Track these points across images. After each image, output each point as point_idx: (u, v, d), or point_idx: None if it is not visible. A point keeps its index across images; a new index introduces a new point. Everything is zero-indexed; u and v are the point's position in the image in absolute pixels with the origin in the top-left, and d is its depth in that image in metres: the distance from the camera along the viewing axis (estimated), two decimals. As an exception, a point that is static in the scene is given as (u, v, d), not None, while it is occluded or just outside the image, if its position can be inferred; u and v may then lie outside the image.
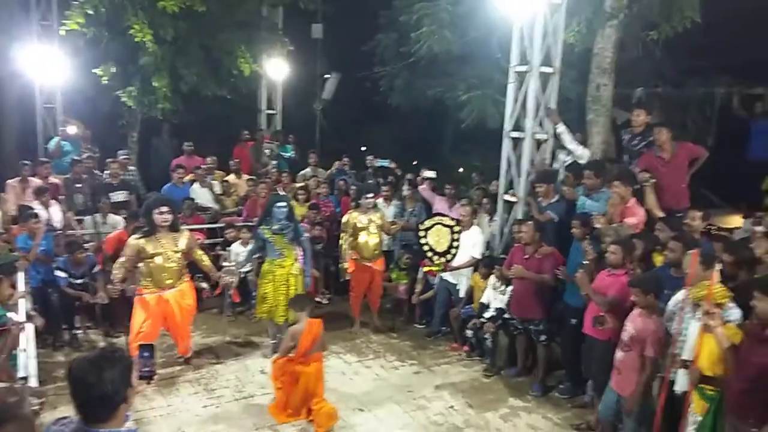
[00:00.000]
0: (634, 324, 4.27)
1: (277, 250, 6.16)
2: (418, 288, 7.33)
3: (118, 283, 5.62)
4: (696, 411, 3.77)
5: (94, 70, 9.19)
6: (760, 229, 5.00)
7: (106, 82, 9.20)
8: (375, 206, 7.14)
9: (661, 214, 5.42)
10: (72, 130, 9.20)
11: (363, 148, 12.21)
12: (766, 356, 3.43)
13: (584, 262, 5.01)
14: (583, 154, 6.49)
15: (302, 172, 9.85)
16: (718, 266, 3.77)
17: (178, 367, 5.98)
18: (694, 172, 6.08)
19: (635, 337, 4.23)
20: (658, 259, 4.86)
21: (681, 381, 3.88)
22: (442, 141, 13.21)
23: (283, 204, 6.17)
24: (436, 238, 6.82)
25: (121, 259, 5.64)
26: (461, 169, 11.20)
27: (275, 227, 6.12)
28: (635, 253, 4.77)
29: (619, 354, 4.41)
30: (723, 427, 3.67)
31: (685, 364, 3.77)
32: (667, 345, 4.03)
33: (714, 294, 3.70)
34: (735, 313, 3.88)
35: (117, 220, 7.44)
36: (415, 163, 10.64)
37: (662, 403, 3.77)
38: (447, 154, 12.61)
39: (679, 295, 4.15)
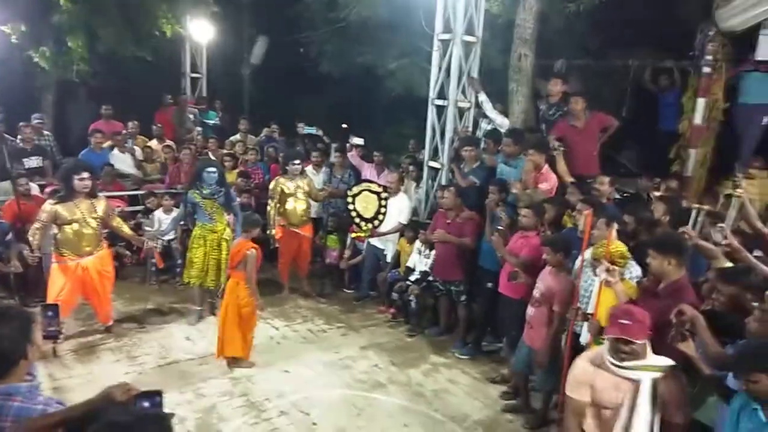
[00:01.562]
0: (544, 281, 4.55)
1: (207, 215, 6.10)
2: (347, 254, 7.44)
3: (36, 250, 5.40)
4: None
5: (2, 28, 8.58)
6: (657, 194, 5.36)
7: (16, 41, 8.63)
8: (302, 172, 7.14)
9: (571, 179, 5.72)
10: (-22, 92, 8.59)
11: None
12: (656, 310, 3.73)
13: (499, 228, 5.24)
14: (503, 123, 6.72)
15: (231, 138, 9.66)
16: (614, 226, 4.04)
17: (99, 336, 5.86)
18: (611, 141, 6.42)
19: (545, 294, 4.51)
20: (569, 222, 5.15)
21: (585, 333, 4.18)
22: (375, 109, 13.23)
23: (213, 169, 6.11)
24: (364, 204, 6.91)
25: (36, 225, 5.43)
26: (389, 136, 11.29)
27: (206, 192, 6.05)
28: (546, 217, 5.04)
29: (530, 310, 4.69)
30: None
31: (587, 317, 4.06)
32: (575, 301, 4.31)
33: (612, 252, 3.98)
34: (635, 270, 4.20)
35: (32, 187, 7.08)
36: (344, 126, 10.63)
37: (568, 354, 4.05)
38: (380, 122, 12.64)
39: (585, 255, 4.43)
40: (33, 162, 7.83)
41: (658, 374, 2.96)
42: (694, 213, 4.38)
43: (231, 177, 7.84)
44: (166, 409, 2.06)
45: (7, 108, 8.61)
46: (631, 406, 2.98)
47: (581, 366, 3.18)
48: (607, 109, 7.64)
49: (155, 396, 2.02)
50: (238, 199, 6.68)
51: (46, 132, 8.63)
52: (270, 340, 6.12)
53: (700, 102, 6.97)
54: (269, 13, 12.24)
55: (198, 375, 5.29)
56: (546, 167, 5.61)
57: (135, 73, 10.83)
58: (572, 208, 5.08)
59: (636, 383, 2.96)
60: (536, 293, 4.62)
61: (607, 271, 3.84)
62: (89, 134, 8.37)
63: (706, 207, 4.42)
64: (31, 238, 5.39)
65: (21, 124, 7.95)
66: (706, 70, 6.89)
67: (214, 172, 6.07)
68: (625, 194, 6.84)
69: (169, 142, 9.24)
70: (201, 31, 10.82)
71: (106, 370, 5.25)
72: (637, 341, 2.92)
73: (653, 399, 2.95)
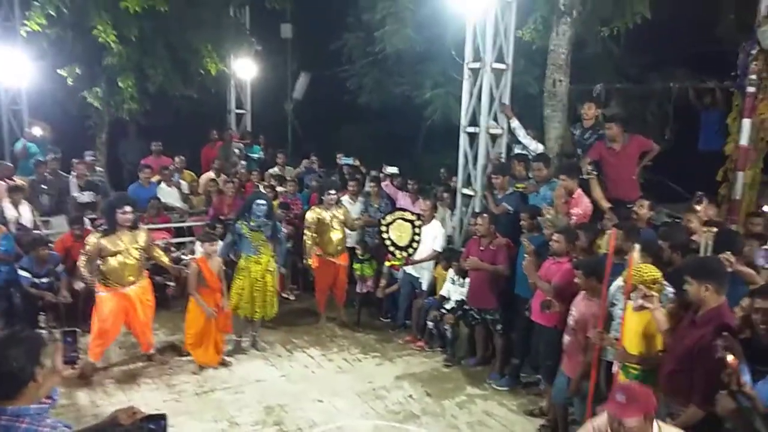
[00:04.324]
0: (577, 308, 4.43)
1: (253, 247, 6.24)
2: (383, 282, 7.44)
3: (89, 279, 5.64)
4: (622, 389, 3.90)
5: (59, 71, 9.18)
6: (698, 207, 5.14)
7: (72, 83, 9.20)
8: (338, 202, 7.23)
9: (607, 205, 5.58)
10: (37, 131, 9.18)
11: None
12: (693, 338, 3.57)
13: (525, 255, 5.17)
14: (536, 148, 6.66)
15: (269, 171, 9.92)
16: (636, 248, 3.90)
17: (141, 364, 6.03)
18: (657, 166, 6.26)
19: (579, 321, 4.39)
20: (603, 248, 5.01)
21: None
22: (414, 138, 13.35)
23: (263, 201, 6.26)
24: (398, 232, 6.91)
25: (82, 258, 5.69)
26: (427, 164, 11.36)
27: (253, 224, 6.20)
28: (579, 243, 4.92)
29: (566, 338, 4.57)
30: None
31: (613, 343, 3.92)
32: (607, 328, 4.17)
33: (645, 277, 3.84)
34: (671, 296, 4.04)
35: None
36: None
37: (594, 381, 3.92)
38: (419, 151, 12.74)
39: (619, 281, 4.30)
40: (85, 197, 8.24)
41: None
42: (703, 241, 4.19)
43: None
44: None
45: (62, 146, 9.14)
46: None
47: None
48: (650, 133, 7.50)
49: (160, 420, 2.07)
50: (283, 231, 6.80)
51: (98, 168, 9.10)
52: (305, 369, 6.15)
53: (746, 123, 6.73)
54: (310, 50, 12.62)
55: (233, 404, 5.35)
56: (578, 192, 5.51)
57: (183, 111, 11.36)
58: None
59: None
60: (570, 321, 4.49)
61: (644, 296, 3.71)
62: (139, 170, 8.77)
63: (714, 229, 4.21)
64: (82, 270, 5.65)
65: (74, 160, 8.40)
66: (750, 89, 6.67)
67: (264, 205, 6.21)
68: (676, 219, 6.62)
69: (213, 175, 9.55)
70: (245, 69, 11.26)
71: (145, 398, 5.39)
72: (630, 423, 2.69)
73: None
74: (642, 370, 3.80)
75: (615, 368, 4.05)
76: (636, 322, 3.71)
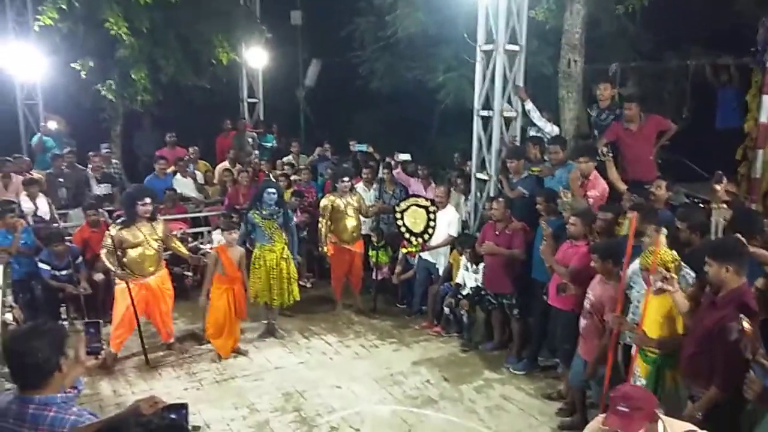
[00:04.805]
0: (593, 291, 4.40)
1: (266, 235, 6.29)
2: (398, 269, 7.44)
3: (117, 270, 5.67)
4: (640, 374, 3.89)
5: (72, 65, 9.24)
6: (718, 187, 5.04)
7: (85, 76, 9.26)
8: (352, 189, 7.23)
9: (624, 186, 5.51)
10: (53, 125, 9.28)
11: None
12: (714, 320, 3.53)
13: (543, 239, 5.13)
14: (552, 130, 6.58)
15: (283, 159, 9.94)
16: (663, 232, 3.86)
17: (161, 353, 6.10)
18: (675, 145, 6.15)
19: (595, 304, 4.36)
20: (622, 230, 4.96)
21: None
22: (428, 123, 13.29)
23: (273, 190, 6.28)
24: (413, 219, 6.91)
25: (103, 251, 5.76)
26: (441, 149, 11.31)
27: (265, 212, 6.24)
28: (598, 225, 4.87)
29: (582, 322, 4.55)
30: (664, 389, 3.78)
31: (633, 327, 3.89)
32: (625, 311, 4.14)
33: (664, 259, 3.79)
34: (690, 278, 3.99)
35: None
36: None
37: (610, 364, 3.91)
38: (432, 135, 12.67)
39: (636, 263, 4.25)
40: (102, 189, 8.33)
41: None
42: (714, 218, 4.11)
43: (286, 197, 8.05)
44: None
45: (78, 139, 9.22)
46: None
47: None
48: (667, 112, 7.37)
49: (181, 409, 2.10)
50: (295, 219, 6.81)
51: (114, 161, 9.18)
52: (323, 355, 6.19)
53: (766, 99, 6.56)
54: (321, 36, 12.56)
55: (253, 391, 5.41)
56: (594, 174, 5.45)
57: (196, 101, 11.39)
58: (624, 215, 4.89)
59: None
60: (586, 304, 4.47)
61: (664, 279, 3.67)
62: (154, 161, 8.84)
63: (723, 206, 4.13)
64: (107, 262, 5.71)
65: (90, 153, 8.48)
66: (770, 65, 6.50)
67: (274, 193, 6.23)
68: (695, 199, 6.53)
69: (228, 165, 9.59)
70: (256, 58, 11.23)
71: (166, 386, 5.47)
72: None
73: None
74: (661, 354, 3.77)
75: (633, 351, 4.03)
76: (656, 305, 3.68)
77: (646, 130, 6.04)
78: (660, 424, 2.63)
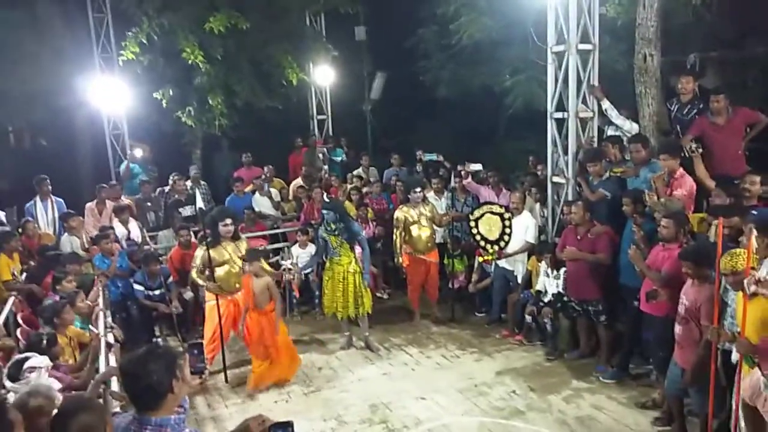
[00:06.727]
0: (687, 296, 4.20)
1: (333, 250, 6.42)
2: (475, 277, 7.38)
3: (210, 285, 5.88)
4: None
5: (154, 95, 9.79)
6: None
7: (166, 104, 9.79)
8: (424, 199, 7.24)
9: (713, 183, 5.23)
10: (138, 153, 9.81)
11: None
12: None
13: (635, 240, 4.93)
14: (631, 128, 6.35)
15: (354, 172, 10.09)
16: (754, 233, 3.63)
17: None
18: (762, 137, 5.80)
19: (690, 309, 4.16)
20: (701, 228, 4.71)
21: (735, 352, 3.78)
22: (495, 127, 13.15)
23: (326, 210, 6.42)
24: (487, 226, 6.84)
25: (193, 271, 6.04)
26: (511, 153, 11.12)
27: (329, 229, 6.38)
28: (688, 226, 4.65)
29: (677, 328, 4.35)
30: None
31: (734, 337, 3.67)
32: (722, 315, 3.92)
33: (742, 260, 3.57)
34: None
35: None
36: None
37: (713, 373, 3.70)
38: (501, 140, 12.51)
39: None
40: (188, 211, 8.72)
41: None
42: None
43: (351, 211, 8.14)
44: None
45: (161, 164, 9.72)
46: None
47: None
48: (754, 102, 6.94)
49: (287, 426, 2.16)
50: (363, 233, 6.89)
51: (203, 182, 9.59)
52: (405, 366, 6.21)
53: None
54: (385, 49, 12.70)
55: (340, 403, 5.50)
56: (680, 171, 5.20)
57: (268, 121, 11.79)
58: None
59: None
60: (681, 309, 4.26)
61: (758, 282, 3.46)
62: (233, 181, 9.20)
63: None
64: (200, 282, 5.98)
65: (175, 176, 8.90)
66: None
67: (329, 212, 6.36)
68: None
69: (301, 182, 9.82)
70: (324, 76, 11.51)
71: (257, 399, 5.65)
72: None
73: None
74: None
75: (735, 357, 3.81)
76: (754, 309, 3.47)
77: (735, 123, 5.72)
78: None
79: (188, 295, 7.08)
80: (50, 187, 7.99)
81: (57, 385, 3.73)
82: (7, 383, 3.70)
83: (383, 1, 11.76)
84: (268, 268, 6.48)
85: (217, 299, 5.87)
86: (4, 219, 7.72)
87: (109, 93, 10.04)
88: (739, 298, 3.68)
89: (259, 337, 5.79)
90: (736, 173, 5.45)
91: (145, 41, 8.99)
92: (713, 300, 3.91)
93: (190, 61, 9.08)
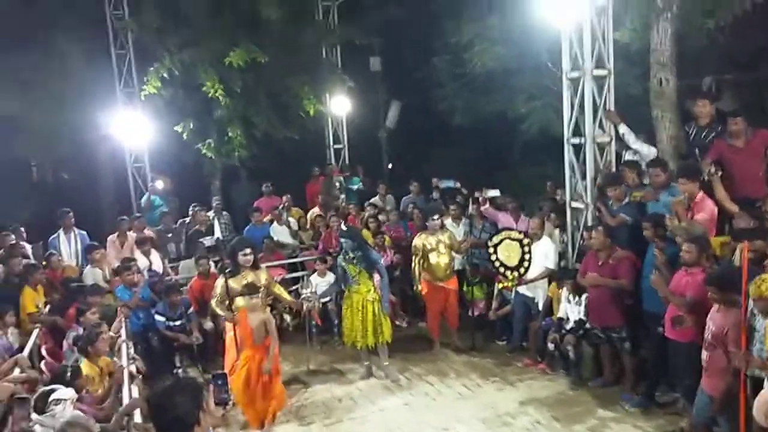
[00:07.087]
0: (713, 321, 4.13)
1: (352, 278, 6.43)
2: (495, 304, 7.32)
3: (230, 315, 5.85)
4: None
5: (175, 128, 10.00)
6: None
7: (187, 137, 9.99)
8: (442, 226, 7.24)
9: (734, 206, 5.18)
10: (160, 185, 9.99)
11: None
12: None
13: (657, 265, 4.88)
14: (649, 153, 6.33)
15: (371, 200, 10.15)
16: None
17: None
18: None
19: (716, 334, 4.09)
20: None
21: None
22: (511, 153, 13.20)
23: (343, 239, 6.46)
24: (506, 253, 6.80)
25: (214, 301, 6.07)
26: (528, 179, 11.13)
27: (347, 257, 6.40)
28: (711, 250, 4.60)
29: (704, 354, 4.27)
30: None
31: (765, 364, 3.60)
32: (750, 340, 3.85)
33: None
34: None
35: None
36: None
37: (743, 400, 3.62)
38: (516, 166, 12.53)
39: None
40: (208, 241, 8.82)
41: None
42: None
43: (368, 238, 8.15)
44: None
45: (182, 195, 9.88)
46: None
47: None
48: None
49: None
50: (382, 261, 6.90)
51: (224, 212, 9.71)
52: (426, 396, 6.14)
53: None
54: (400, 79, 12.86)
55: (361, 435, 5.45)
56: (701, 195, 5.16)
57: (286, 151, 11.95)
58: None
59: None
60: (707, 335, 4.19)
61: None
62: (252, 211, 9.28)
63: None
64: (220, 312, 6.00)
65: (195, 207, 9.03)
66: None
67: (346, 241, 6.40)
68: None
69: (319, 211, 9.89)
70: (340, 106, 11.67)
71: (278, 430, 5.60)
72: None
73: None
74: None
75: (767, 384, 3.72)
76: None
77: (754, 145, 5.68)
78: None
79: (208, 325, 7.11)
80: (73, 220, 8.14)
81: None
82: (34, 416, 3.74)
83: (397, 32, 11.96)
84: (287, 296, 6.51)
85: (235, 330, 5.88)
86: (30, 252, 7.86)
87: (131, 127, 10.30)
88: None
89: (256, 375, 5.51)
90: (756, 195, 5.41)
91: (166, 76, 9.22)
92: (740, 325, 3.84)
93: (210, 95, 9.28)
